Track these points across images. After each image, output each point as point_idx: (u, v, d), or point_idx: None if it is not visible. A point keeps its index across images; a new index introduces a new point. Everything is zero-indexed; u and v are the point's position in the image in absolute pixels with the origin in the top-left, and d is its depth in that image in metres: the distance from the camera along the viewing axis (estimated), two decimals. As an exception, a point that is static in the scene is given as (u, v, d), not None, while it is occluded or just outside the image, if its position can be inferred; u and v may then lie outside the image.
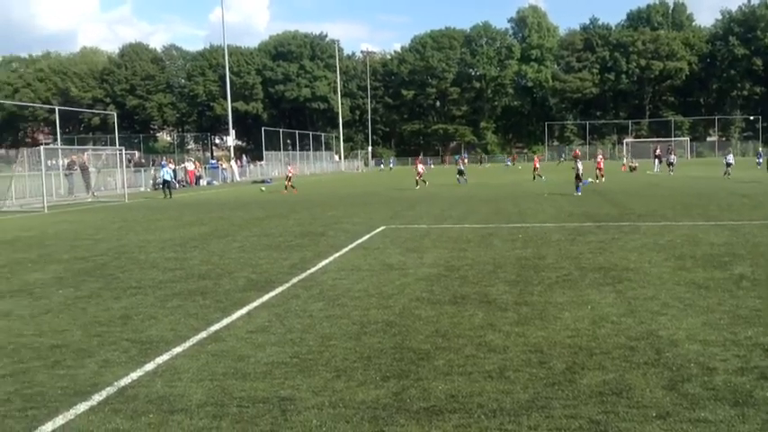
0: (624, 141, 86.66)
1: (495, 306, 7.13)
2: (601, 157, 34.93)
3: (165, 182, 32.08)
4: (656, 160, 48.73)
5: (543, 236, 12.78)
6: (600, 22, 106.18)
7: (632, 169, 45.89)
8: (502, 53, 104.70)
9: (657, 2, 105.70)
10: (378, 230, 14.47)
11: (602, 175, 32.18)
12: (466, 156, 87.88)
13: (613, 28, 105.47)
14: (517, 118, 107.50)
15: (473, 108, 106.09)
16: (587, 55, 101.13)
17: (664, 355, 5.33)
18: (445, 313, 6.87)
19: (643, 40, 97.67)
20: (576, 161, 26.39)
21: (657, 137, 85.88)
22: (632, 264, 9.43)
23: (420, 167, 32.86)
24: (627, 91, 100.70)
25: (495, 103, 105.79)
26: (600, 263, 9.58)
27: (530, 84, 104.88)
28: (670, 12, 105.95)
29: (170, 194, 30.73)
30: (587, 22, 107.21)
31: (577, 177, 24.32)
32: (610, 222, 14.78)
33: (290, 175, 33.00)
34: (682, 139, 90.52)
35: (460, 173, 34.67)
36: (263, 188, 35.99)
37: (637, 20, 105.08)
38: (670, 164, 42.64)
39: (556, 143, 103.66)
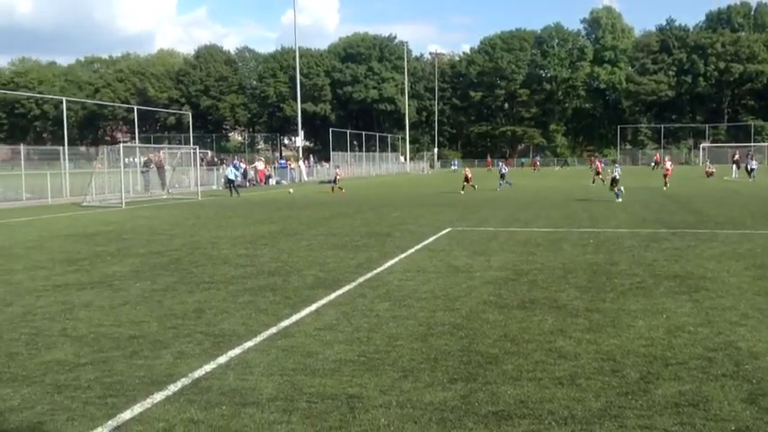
0: (701, 146, 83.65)
1: (566, 312, 7.00)
2: (670, 163, 33.73)
3: (229, 181, 32.83)
4: (735, 166, 46.86)
5: (615, 241, 12.47)
6: (677, 24, 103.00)
7: (709, 175, 44.28)
8: (574, 54, 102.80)
9: (738, 2, 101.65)
10: (444, 232, 14.42)
11: (667, 183, 30.98)
12: (538, 159, 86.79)
13: (691, 29, 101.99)
14: (588, 120, 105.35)
15: (542, 110, 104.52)
16: (663, 57, 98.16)
17: (743, 367, 5.13)
18: (513, 318, 6.79)
19: (723, 41, 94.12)
20: (615, 165, 25.57)
21: (736, 141, 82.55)
22: (710, 272, 9.10)
23: (468, 172, 32.44)
24: (704, 94, 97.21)
25: (566, 104, 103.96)
26: (675, 271, 9.28)
27: (602, 86, 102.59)
28: (752, 13, 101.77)
29: (237, 193, 31.41)
30: (664, 23, 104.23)
31: (613, 181, 23.71)
32: (686, 229, 14.30)
33: (338, 177, 33.77)
34: (762, 144, 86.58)
35: (502, 176, 33.95)
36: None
37: (716, 21, 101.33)
38: (751, 170, 40.85)
39: (628, 146, 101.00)
